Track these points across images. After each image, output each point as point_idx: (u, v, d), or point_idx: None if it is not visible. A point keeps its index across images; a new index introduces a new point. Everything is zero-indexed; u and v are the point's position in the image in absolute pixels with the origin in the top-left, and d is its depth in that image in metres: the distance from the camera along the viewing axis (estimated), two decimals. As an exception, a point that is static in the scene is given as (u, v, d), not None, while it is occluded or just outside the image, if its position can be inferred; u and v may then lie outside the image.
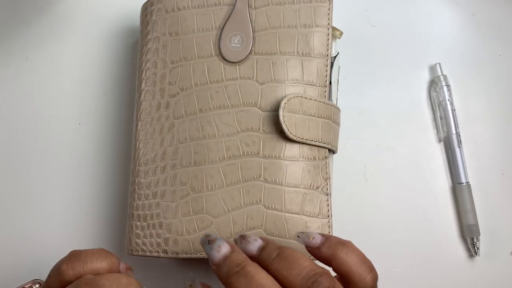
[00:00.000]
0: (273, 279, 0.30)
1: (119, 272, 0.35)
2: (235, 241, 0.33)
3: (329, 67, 0.43)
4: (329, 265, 0.33)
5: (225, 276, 0.31)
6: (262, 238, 0.33)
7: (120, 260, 0.35)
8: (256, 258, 0.32)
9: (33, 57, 0.54)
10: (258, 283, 0.30)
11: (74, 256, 0.35)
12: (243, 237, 0.33)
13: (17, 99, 0.53)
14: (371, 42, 0.54)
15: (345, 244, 0.33)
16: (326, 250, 0.33)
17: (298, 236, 0.34)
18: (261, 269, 0.31)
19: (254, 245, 0.33)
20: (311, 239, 0.34)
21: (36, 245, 0.50)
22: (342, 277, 0.33)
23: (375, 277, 0.33)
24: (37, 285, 0.44)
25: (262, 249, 0.33)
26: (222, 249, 0.32)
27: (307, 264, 0.31)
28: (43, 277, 0.47)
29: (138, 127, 0.45)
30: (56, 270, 0.34)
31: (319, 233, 0.34)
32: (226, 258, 0.31)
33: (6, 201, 0.51)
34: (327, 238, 0.33)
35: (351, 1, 0.55)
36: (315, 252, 0.33)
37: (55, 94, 0.53)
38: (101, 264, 0.35)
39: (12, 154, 0.52)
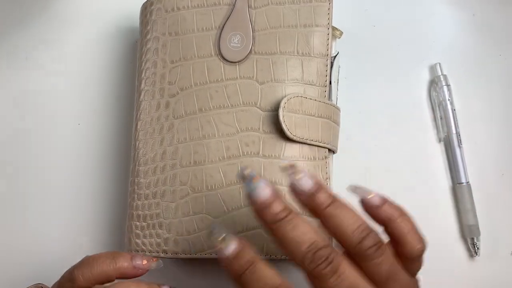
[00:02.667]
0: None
1: (132, 269, 0.36)
2: (282, 169, 0.33)
3: (329, 67, 0.43)
4: (382, 225, 0.33)
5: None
6: (314, 181, 0.32)
7: (133, 257, 0.36)
8: (307, 200, 0.32)
9: (33, 57, 0.54)
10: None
11: (84, 262, 0.35)
12: (292, 167, 0.32)
13: (17, 99, 0.53)
14: (371, 42, 0.54)
15: (401, 211, 0.34)
16: (385, 211, 0.33)
17: (352, 190, 0.34)
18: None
19: (307, 184, 0.32)
20: (370, 196, 0.34)
21: (36, 245, 0.50)
22: (393, 240, 0.33)
23: (424, 248, 0.33)
24: (39, 289, 0.44)
25: (315, 191, 0.32)
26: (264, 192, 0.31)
27: (360, 219, 0.32)
28: (42, 278, 0.47)
29: (138, 127, 0.45)
30: (69, 275, 0.35)
31: (377, 193, 0.34)
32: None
33: (5, 201, 0.51)
34: (385, 200, 0.34)
35: (351, 1, 0.55)
36: (371, 210, 0.34)
37: (55, 94, 0.53)
38: (107, 267, 0.35)
39: (11, 154, 0.52)
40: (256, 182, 0.31)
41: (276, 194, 0.31)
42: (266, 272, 0.31)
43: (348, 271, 0.31)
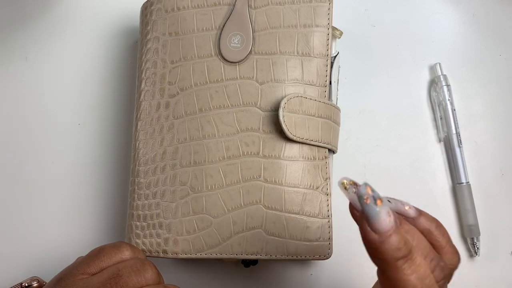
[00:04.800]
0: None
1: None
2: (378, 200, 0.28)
3: (329, 67, 0.43)
4: None
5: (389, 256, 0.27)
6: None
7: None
8: (414, 222, 0.31)
9: (33, 57, 0.54)
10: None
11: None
12: (392, 200, 0.30)
13: (17, 99, 0.53)
14: (371, 42, 0.54)
15: (437, 222, 0.33)
16: (424, 222, 0.32)
17: (389, 201, 0.31)
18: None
19: (412, 211, 0.31)
20: (406, 208, 0.32)
21: (36, 244, 0.50)
22: None
23: (459, 261, 0.33)
24: (34, 282, 0.45)
25: (420, 215, 0.32)
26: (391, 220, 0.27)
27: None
28: (41, 275, 0.47)
29: (138, 127, 0.45)
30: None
31: (411, 204, 0.32)
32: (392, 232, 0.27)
33: (5, 200, 0.51)
34: (421, 211, 0.33)
35: (351, 1, 0.55)
36: (409, 221, 0.32)
37: (55, 94, 0.53)
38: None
39: (11, 154, 0.52)
40: (381, 206, 0.26)
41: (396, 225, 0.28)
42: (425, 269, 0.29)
43: None
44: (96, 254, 0.37)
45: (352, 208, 0.29)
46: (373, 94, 0.52)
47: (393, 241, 0.27)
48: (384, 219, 0.26)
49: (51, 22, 0.55)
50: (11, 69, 0.54)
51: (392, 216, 0.27)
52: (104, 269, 0.36)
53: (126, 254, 0.37)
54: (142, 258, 0.37)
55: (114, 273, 0.34)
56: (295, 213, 0.41)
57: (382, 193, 0.49)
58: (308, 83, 0.43)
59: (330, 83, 0.44)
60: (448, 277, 0.33)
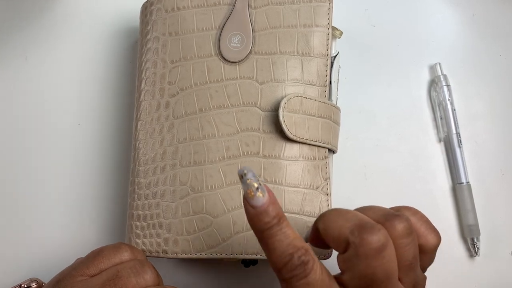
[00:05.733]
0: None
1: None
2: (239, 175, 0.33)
3: (329, 66, 0.43)
4: None
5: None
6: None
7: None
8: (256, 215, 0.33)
9: (33, 57, 0.54)
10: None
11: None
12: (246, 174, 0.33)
13: (17, 99, 0.53)
14: (371, 42, 0.54)
15: (407, 206, 0.35)
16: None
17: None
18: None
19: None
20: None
21: (35, 245, 0.50)
22: None
23: (438, 238, 0.34)
24: (34, 283, 0.45)
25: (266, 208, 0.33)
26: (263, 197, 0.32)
27: (382, 208, 0.34)
28: (41, 276, 0.47)
29: (138, 127, 0.45)
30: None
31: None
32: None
33: (5, 200, 0.51)
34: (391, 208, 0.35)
35: (351, 1, 0.55)
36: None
37: (55, 94, 0.53)
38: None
39: (11, 154, 0.52)
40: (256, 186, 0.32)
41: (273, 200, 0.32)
42: (290, 231, 0.32)
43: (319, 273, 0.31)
44: (95, 255, 0.36)
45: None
46: (373, 94, 0.52)
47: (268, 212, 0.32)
48: (259, 196, 0.31)
49: (51, 22, 0.55)
50: (11, 69, 0.54)
51: (266, 194, 0.32)
52: (103, 271, 0.36)
53: (126, 255, 0.37)
54: (141, 259, 0.37)
55: (114, 275, 0.34)
56: (295, 213, 0.41)
57: (382, 193, 0.49)
58: (308, 83, 0.43)
59: (330, 83, 0.44)
60: (428, 258, 0.34)
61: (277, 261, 0.31)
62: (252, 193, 0.32)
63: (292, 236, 0.32)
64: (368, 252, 0.30)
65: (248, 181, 0.32)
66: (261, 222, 0.32)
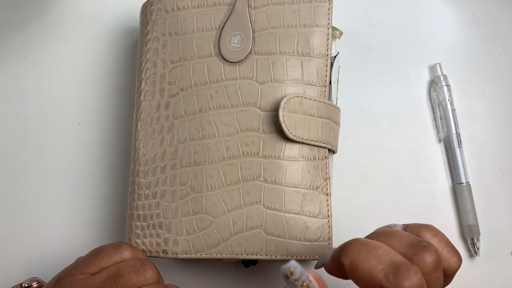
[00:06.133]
0: None
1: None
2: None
3: (329, 67, 0.43)
4: None
5: None
6: None
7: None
8: None
9: (33, 57, 0.54)
10: None
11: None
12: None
13: (17, 99, 0.53)
14: (371, 42, 0.54)
15: (427, 226, 0.33)
16: (410, 232, 0.33)
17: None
18: None
19: (399, 228, 0.34)
20: (392, 227, 0.34)
21: (36, 245, 0.50)
22: None
23: (460, 261, 0.33)
24: (34, 283, 0.45)
25: (406, 228, 0.34)
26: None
27: (406, 234, 0.32)
28: (41, 275, 0.47)
29: (138, 127, 0.45)
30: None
31: (397, 223, 0.35)
32: None
33: (5, 200, 0.51)
34: (407, 225, 0.34)
35: (351, 1, 0.55)
36: None
37: (55, 94, 0.53)
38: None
39: (11, 154, 0.52)
40: None
41: None
42: None
43: None
44: (96, 254, 0.37)
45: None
46: (373, 94, 0.52)
47: None
48: None
49: (51, 22, 0.55)
50: (11, 69, 0.54)
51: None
52: (104, 269, 0.36)
53: (126, 254, 0.37)
54: (142, 258, 0.37)
55: (114, 273, 0.34)
56: (295, 213, 0.41)
57: (382, 193, 0.49)
58: (308, 83, 0.43)
59: (330, 83, 0.44)
60: (448, 280, 0.33)
61: None
62: None
63: None
64: None
65: (296, 283, 0.29)
66: None
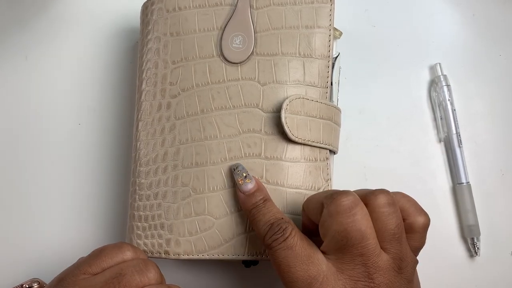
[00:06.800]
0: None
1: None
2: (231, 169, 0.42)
3: (330, 68, 0.43)
4: None
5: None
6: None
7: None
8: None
9: (33, 56, 0.54)
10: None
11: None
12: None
13: (17, 98, 0.53)
14: (371, 42, 0.54)
15: (400, 192, 0.37)
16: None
17: None
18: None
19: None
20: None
21: (36, 246, 0.50)
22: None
23: (427, 219, 0.36)
24: (35, 284, 0.44)
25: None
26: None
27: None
28: (42, 277, 0.47)
29: (139, 128, 0.45)
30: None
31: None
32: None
33: (5, 200, 0.51)
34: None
35: (351, 1, 0.55)
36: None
37: (55, 94, 0.53)
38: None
39: (11, 154, 0.52)
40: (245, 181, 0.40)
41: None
42: (273, 207, 0.38)
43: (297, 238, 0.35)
44: (98, 254, 0.37)
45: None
46: (373, 94, 0.52)
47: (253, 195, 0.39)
48: (247, 183, 0.40)
49: (51, 22, 0.55)
50: (11, 69, 0.54)
51: (253, 182, 0.40)
52: (105, 269, 0.36)
53: (128, 254, 0.37)
54: (144, 258, 0.37)
55: (117, 273, 0.34)
56: (297, 215, 0.41)
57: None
58: (310, 84, 0.43)
59: (331, 84, 0.44)
60: (418, 237, 0.36)
61: (261, 230, 0.37)
62: (241, 181, 0.40)
63: (274, 211, 0.38)
64: (338, 209, 0.33)
65: (238, 172, 0.40)
66: (249, 203, 0.39)
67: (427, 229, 0.36)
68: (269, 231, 0.36)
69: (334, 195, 0.34)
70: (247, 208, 0.39)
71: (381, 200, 0.34)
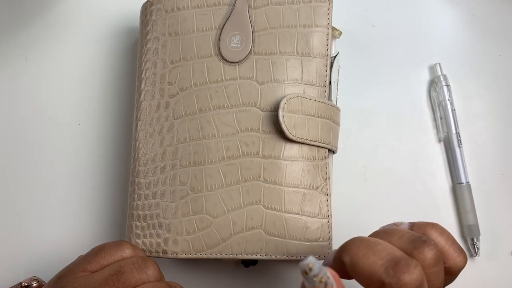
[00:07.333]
0: None
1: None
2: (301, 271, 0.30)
3: (328, 67, 0.43)
4: None
5: None
6: None
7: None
8: None
9: (33, 57, 0.54)
10: None
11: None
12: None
13: (17, 99, 0.53)
14: (371, 42, 0.54)
15: (433, 224, 0.33)
16: (416, 230, 0.33)
17: (383, 227, 0.35)
18: None
19: (404, 227, 0.34)
20: (398, 226, 0.34)
21: (35, 244, 0.50)
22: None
23: (465, 259, 0.33)
24: (34, 282, 0.45)
25: (412, 226, 0.34)
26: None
27: (407, 231, 0.32)
28: (41, 275, 0.47)
29: (138, 127, 0.45)
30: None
31: (403, 221, 0.35)
32: None
33: (5, 200, 0.51)
34: (413, 224, 0.34)
35: (351, 1, 0.55)
36: None
37: (55, 94, 0.53)
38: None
39: (11, 154, 0.52)
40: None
41: None
42: None
43: None
44: (97, 251, 0.37)
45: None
46: (373, 94, 0.52)
47: None
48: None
49: (51, 22, 0.55)
50: (11, 70, 0.54)
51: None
52: (105, 267, 0.36)
53: (127, 252, 0.37)
54: (143, 255, 0.37)
55: (116, 270, 0.34)
56: (295, 213, 0.41)
57: (382, 193, 0.49)
58: (308, 83, 0.43)
59: (330, 83, 0.44)
60: (452, 278, 0.33)
61: None
62: None
63: None
64: None
65: (314, 279, 0.28)
66: None
67: (464, 266, 0.34)
68: None
69: (398, 273, 0.29)
70: None
71: (429, 257, 0.30)
